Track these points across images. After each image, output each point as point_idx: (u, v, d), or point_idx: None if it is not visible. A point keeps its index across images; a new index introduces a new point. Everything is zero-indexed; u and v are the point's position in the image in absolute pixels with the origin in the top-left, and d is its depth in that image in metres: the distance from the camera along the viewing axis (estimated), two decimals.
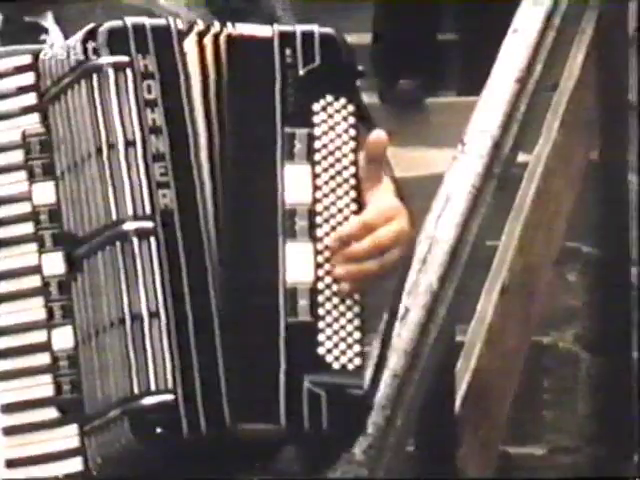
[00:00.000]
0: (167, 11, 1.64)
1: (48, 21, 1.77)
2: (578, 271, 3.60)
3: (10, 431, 1.55)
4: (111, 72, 1.53)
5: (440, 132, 3.06)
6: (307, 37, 1.60)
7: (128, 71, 1.53)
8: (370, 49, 3.98)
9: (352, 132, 1.56)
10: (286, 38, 1.59)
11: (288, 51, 1.59)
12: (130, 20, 1.56)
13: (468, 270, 2.75)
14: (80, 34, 1.56)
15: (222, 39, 1.59)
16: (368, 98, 2.11)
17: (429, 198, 2.71)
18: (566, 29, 3.29)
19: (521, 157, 3.16)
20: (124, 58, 1.53)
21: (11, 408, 1.55)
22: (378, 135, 1.56)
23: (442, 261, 2.64)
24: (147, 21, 1.57)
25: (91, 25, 1.56)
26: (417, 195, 1.75)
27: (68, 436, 1.55)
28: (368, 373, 1.60)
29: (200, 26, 1.58)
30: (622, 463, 3.86)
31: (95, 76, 1.54)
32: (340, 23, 4.04)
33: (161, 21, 1.58)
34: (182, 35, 1.57)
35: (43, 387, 1.55)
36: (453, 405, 2.72)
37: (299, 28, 1.59)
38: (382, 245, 1.54)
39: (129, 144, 1.53)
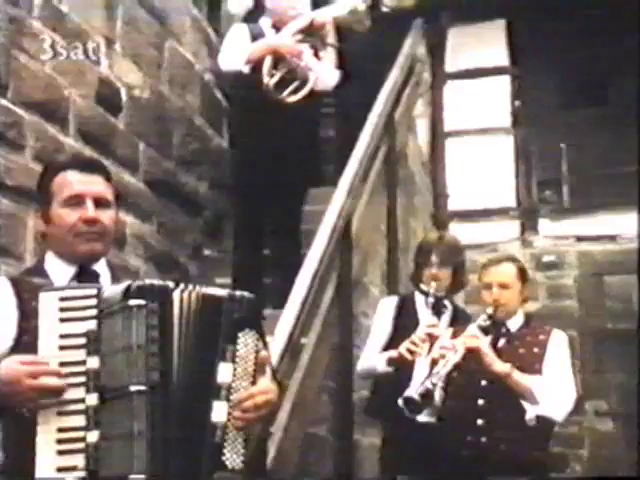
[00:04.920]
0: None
1: (102, 266, 1.75)
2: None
3: None
4: (135, 309, 1.51)
5: (264, 328, 2.89)
6: (240, 297, 1.57)
7: (143, 310, 1.51)
8: None
9: (256, 347, 1.56)
10: (230, 297, 1.57)
11: (230, 304, 1.56)
12: (148, 281, 1.55)
13: None
14: (122, 286, 1.54)
15: (197, 294, 1.56)
16: None
17: None
18: (315, 300, 3.18)
19: (304, 340, 3.08)
20: (142, 302, 1.51)
21: (64, 470, 1.47)
22: (264, 355, 1.59)
23: None
24: (156, 282, 1.56)
25: (127, 282, 1.54)
26: None
27: None
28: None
29: (182, 286, 1.56)
30: None
31: (127, 310, 1.52)
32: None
33: (163, 283, 1.56)
34: (172, 290, 1.54)
35: (80, 458, 1.48)
36: (264, 465, 2.47)
37: (238, 293, 1.59)
38: (259, 405, 1.54)
39: (139, 347, 1.50)
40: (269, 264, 3.92)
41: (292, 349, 2.82)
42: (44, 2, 3.43)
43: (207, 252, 4.58)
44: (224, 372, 1.53)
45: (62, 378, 1.49)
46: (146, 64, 4.18)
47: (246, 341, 1.54)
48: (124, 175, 3.92)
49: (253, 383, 1.55)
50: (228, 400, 1.51)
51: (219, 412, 1.51)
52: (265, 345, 1.63)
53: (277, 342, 2.70)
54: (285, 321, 2.84)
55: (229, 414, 1.51)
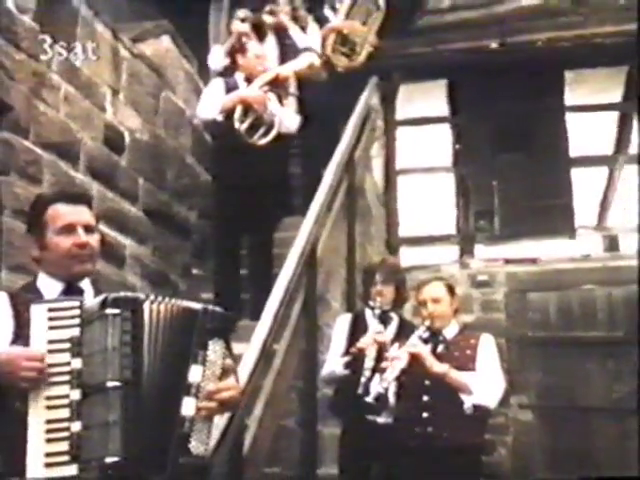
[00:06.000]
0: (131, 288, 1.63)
1: (86, 284, 1.71)
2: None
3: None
4: (110, 317, 1.49)
5: (242, 336, 2.75)
6: (212, 311, 1.56)
7: (118, 317, 1.48)
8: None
9: (223, 354, 1.54)
10: (204, 311, 1.55)
11: (204, 316, 1.54)
12: (123, 293, 1.52)
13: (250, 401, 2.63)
14: (100, 298, 1.52)
15: (168, 305, 1.53)
16: None
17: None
18: (286, 313, 3.11)
19: (276, 346, 3.05)
20: (117, 311, 1.49)
21: (51, 455, 1.44)
22: (230, 361, 1.59)
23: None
24: (130, 294, 1.54)
25: (104, 295, 1.51)
26: None
27: (73, 470, 1.44)
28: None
29: (151, 297, 1.53)
30: None
31: (104, 318, 1.49)
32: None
33: (135, 295, 1.54)
34: (142, 301, 1.52)
35: (65, 444, 1.44)
36: (241, 452, 2.54)
37: (211, 307, 1.57)
38: (222, 399, 1.53)
39: (114, 349, 1.47)
40: (247, 282, 3.87)
41: (266, 354, 2.81)
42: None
43: (195, 271, 4.55)
44: (195, 373, 1.51)
45: (49, 376, 1.46)
46: (145, 111, 4.23)
47: (215, 348, 1.53)
48: (125, 205, 3.94)
49: (220, 380, 1.54)
50: (197, 397, 1.50)
51: (188, 406, 1.49)
52: (231, 353, 1.60)
53: (253, 348, 2.69)
54: (260, 330, 2.82)
55: (197, 409, 1.49)
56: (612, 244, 5.63)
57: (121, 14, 4.43)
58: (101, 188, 3.70)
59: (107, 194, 3.77)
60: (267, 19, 4.46)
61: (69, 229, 1.66)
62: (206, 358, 1.51)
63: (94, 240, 1.70)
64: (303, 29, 4.54)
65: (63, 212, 1.67)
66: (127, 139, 4.02)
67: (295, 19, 4.56)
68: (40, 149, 3.26)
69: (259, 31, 4.42)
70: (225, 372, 1.55)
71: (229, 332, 1.59)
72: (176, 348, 1.51)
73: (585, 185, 5.75)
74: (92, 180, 3.64)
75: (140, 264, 4.03)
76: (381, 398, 2.64)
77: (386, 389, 2.65)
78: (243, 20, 4.38)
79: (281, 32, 4.50)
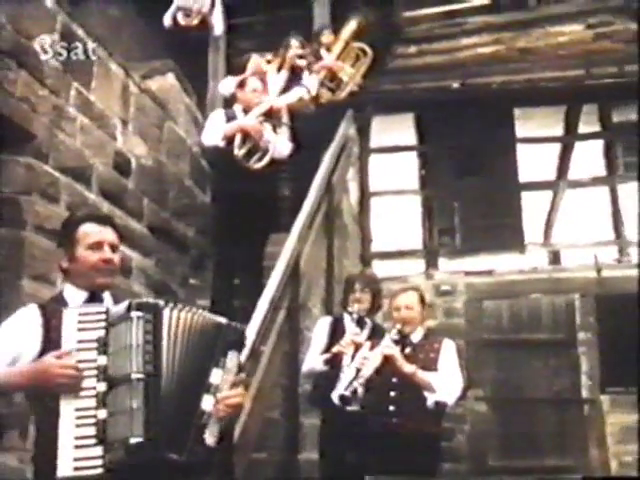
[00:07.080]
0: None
1: (107, 297, 1.72)
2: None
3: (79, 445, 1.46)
4: (134, 319, 1.51)
5: None
6: (234, 326, 1.61)
7: (141, 319, 1.50)
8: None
9: (238, 364, 1.60)
10: (228, 325, 1.60)
11: (227, 329, 1.59)
12: (145, 299, 1.56)
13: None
14: (125, 303, 1.55)
15: (191, 314, 1.55)
16: None
17: None
18: (272, 318, 3.11)
19: (263, 348, 3.07)
20: (140, 314, 1.51)
21: (80, 438, 1.45)
22: (241, 377, 1.63)
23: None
24: (151, 301, 1.55)
25: (129, 300, 1.54)
26: None
27: (99, 451, 1.46)
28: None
29: (170, 304, 1.55)
30: None
31: (129, 319, 1.52)
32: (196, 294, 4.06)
33: (156, 301, 1.56)
34: (162, 307, 1.55)
35: (92, 429, 1.47)
36: (232, 440, 2.46)
37: (234, 323, 1.60)
38: (231, 404, 1.57)
39: (138, 346, 1.49)
40: (239, 291, 3.88)
41: (254, 355, 2.85)
42: (77, 93, 3.49)
43: (192, 281, 4.56)
44: (215, 375, 1.56)
45: (78, 371, 1.51)
46: (150, 140, 4.28)
47: (232, 358, 1.59)
48: (132, 222, 3.99)
49: (232, 388, 1.60)
50: (215, 396, 1.55)
51: (207, 403, 1.54)
52: (241, 367, 1.65)
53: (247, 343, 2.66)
54: (249, 333, 2.80)
55: (214, 405, 1.54)
56: (555, 258, 5.75)
57: (132, 54, 4.47)
58: (111, 207, 3.74)
59: (116, 212, 3.81)
60: (291, 58, 4.51)
61: (97, 246, 1.69)
62: (225, 364, 1.56)
63: (117, 258, 1.73)
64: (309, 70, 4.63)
65: (93, 231, 1.71)
66: (134, 164, 4.07)
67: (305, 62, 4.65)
68: (58, 173, 3.31)
69: (280, 64, 4.47)
70: (236, 383, 1.60)
71: (244, 346, 1.65)
72: (198, 350, 1.54)
73: (532, 206, 5.85)
74: (103, 200, 3.69)
75: (145, 275, 4.06)
76: (356, 392, 2.69)
77: (361, 385, 2.70)
78: (269, 62, 4.44)
79: (296, 70, 4.56)
